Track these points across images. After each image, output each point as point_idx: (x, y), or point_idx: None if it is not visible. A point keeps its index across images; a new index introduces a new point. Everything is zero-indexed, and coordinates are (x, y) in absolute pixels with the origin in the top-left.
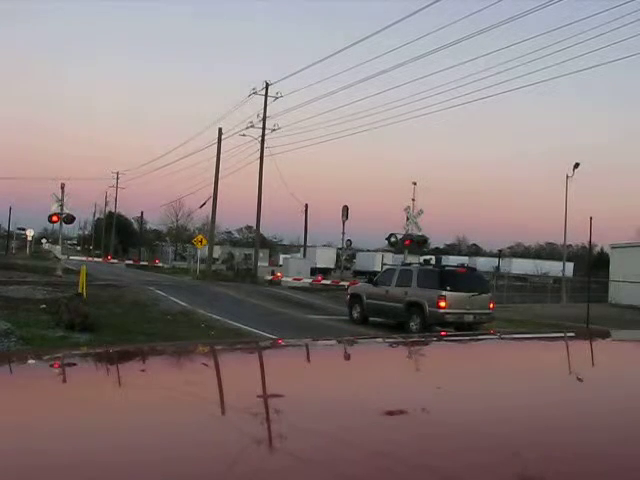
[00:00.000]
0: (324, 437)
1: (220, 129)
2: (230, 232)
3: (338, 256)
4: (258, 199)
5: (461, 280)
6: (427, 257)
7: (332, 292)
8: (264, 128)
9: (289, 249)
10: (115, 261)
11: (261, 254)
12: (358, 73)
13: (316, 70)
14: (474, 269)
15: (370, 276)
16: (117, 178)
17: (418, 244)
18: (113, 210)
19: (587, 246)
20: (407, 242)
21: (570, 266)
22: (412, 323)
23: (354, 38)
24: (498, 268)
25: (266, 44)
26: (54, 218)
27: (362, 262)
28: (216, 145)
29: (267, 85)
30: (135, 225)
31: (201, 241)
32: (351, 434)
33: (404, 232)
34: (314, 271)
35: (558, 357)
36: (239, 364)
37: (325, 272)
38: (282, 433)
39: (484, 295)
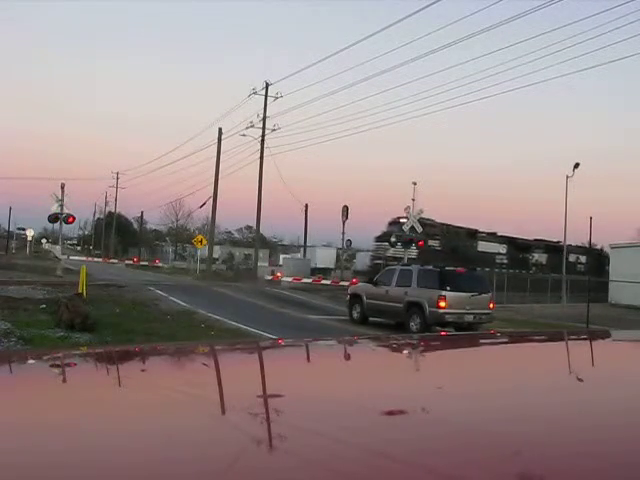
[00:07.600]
0: (324, 437)
1: (220, 129)
2: (230, 232)
3: (338, 256)
4: (258, 199)
5: (461, 280)
6: None
7: (332, 292)
8: (264, 128)
9: (289, 249)
10: (115, 261)
11: (261, 254)
12: (359, 73)
13: (316, 70)
14: (474, 269)
15: (370, 276)
16: (117, 178)
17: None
18: (113, 210)
19: (587, 246)
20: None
21: None
22: (412, 323)
23: (354, 38)
24: None
25: (266, 44)
26: (54, 218)
27: (362, 262)
28: (216, 145)
29: (267, 85)
30: (135, 225)
31: (201, 241)
32: (351, 434)
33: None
34: (314, 271)
35: (558, 357)
36: (239, 364)
37: (325, 272)
38: (282, 433)
39: (484, 295)
